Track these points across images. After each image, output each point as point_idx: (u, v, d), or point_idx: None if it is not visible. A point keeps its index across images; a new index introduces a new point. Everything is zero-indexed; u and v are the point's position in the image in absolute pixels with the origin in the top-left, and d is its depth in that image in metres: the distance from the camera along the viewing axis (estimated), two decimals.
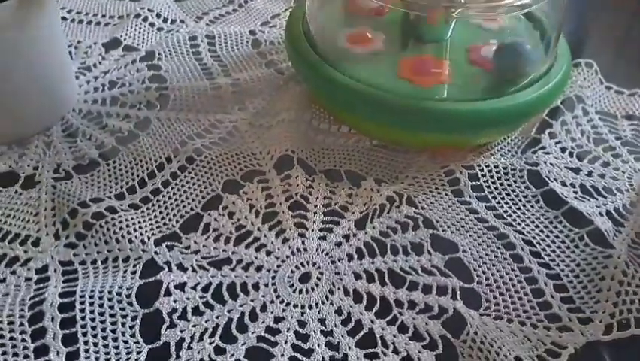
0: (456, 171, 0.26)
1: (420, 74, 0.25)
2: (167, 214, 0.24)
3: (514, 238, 0.24)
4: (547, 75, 0.27)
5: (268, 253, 0.23)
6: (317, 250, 0.23)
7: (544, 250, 0.23)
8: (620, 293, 0.22)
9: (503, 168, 0.27)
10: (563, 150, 0.28)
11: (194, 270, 0.22)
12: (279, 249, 0.23)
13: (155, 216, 0.24)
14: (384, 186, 0.25)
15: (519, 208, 0.25)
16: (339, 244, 0.23)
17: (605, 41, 0.38)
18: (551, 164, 0.27)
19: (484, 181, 0.26)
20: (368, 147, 0.27)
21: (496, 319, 0.21)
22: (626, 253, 0.23)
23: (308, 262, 0.23)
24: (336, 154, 0.27)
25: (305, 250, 0.23)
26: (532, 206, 0.25)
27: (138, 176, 0.25)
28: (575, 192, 0.26)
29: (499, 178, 0.26)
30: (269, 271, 0.22)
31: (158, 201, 0.24)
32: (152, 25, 0.35)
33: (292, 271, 0.22)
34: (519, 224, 0.24)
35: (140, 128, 0.28)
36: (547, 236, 0.24)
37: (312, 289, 0.22)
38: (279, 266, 0.22)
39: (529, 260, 0.23)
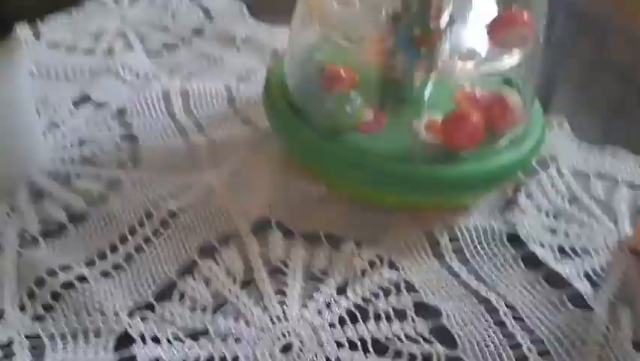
0: (436, 232, 0.27)
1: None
2: (141, 282, 0.24)
3: (497, 302, 0.24)
4: (524, 137, 0.28)
5: (247, 323, 0.23)
6: (298, 318, 0.23)
7: (526, 314, 0.24)
8: (602, 357, 0.23)
9: (482, 229, 0.28)
10: (539, 209, 0.29)
11: (169, 342, 0.22)
12: (258, 318, 0.23)
13: (128, 285, 0.24)
14: (364, 249, 0.26)
15: (500, 271, 0.26)
16: (320, 312, 0.23)
17: (570, 94, 0.41)
18: (529, 224, 0.28)
19: (464, 243, 0.27)
20: (347, 209, 0.28)
21: None
22: (605, 315, 0.24)
23: (289, 332, 0.23)
24: (315, 216, 0.27)
25: (286, 319, 0.23)
26: (512, 268, 0.26)
27: (109, 241, 0.25)
28: (554, 253, 0.27)
29: (479, 239, 0.27)
30: (248, 343, 0.22)
31: (130, 268, 0.24)
32: (123, 80, 0.35)
33: (273, 342, 0.22)
34: (501, 287, 0.25)
35: (111, 190, 0.28)
36: (529, 300, 0.25)
37: (294, 360, 0.22)
38: (259, 338, 0.22)
39: (513, 325, 0.24)
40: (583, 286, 0.25)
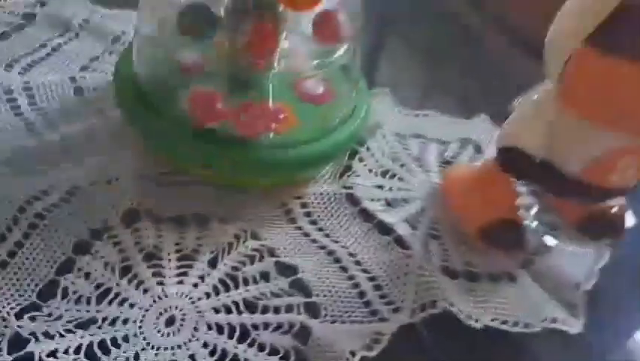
0: (288, 202, 0.32)
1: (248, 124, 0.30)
2: (22, 285, 0.25)
3: (340, 252, 0.31)
4: (354, 114, 0.34)
5: (131, 306, 0.26)
6: (177, 293, 0.27)
7: (363, 258, 0.31)
8: (419, 284, 0.30)
9: (326, 193, 0.33)
10: (370, 170, 0.36)
11: (61, 335, 0.24)
12: (140, 300, 0.26)
13: (9, 289, 0.25)
14: (229, 225, 0.30)
15: (342, 226, 0.32)
16: (195, 285, 0.27)
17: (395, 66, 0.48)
18: (362, 184, 0.35)
19: (312, 208, 0.33)
20: (210, 191, 0.31)
21: (332, 323, 0.27)
22: (421, 251, 0.31)
23: (170, 307, 0.26)
24: (180, 200, 0.31)
25: (166, 296, 0.27)
26: (351, 223, 0.32)
27: None
28: (382, 206, 0.34)
29: (324, 203, 0.33)
30: (134, 322, 0.25)
31: (8, 273, 0.26)
32: None
33: (157, 318, 0.26)
34: (343, 240, 0.31)
35: None
36: (365, 246, 0.31)
37: (178, 330, 0.26)
38: (143, 316, 0.26)
39: (353, 268, 0.30)
40: (403, 230, 0.32)
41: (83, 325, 0.25)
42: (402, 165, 0.37)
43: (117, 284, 0.26)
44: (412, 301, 0.29)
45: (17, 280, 0.26)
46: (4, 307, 0.24)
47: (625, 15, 0.25)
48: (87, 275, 0.27)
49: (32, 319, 0.24)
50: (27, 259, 0.27)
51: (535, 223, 0.35)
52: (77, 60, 0.38)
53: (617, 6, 0.25)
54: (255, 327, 0.26)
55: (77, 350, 0.24)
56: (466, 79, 0.49)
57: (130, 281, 0.27)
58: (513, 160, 0.29)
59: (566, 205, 0.36)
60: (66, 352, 0.24)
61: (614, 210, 0.35)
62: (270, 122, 0.31)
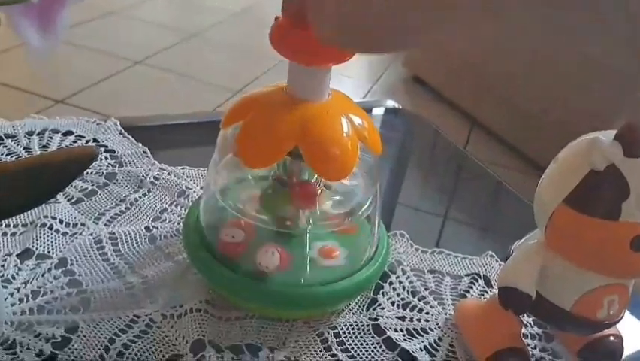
0: (324, 332, 0.39)
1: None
2: None
3: None
4: (376, 253, 0.42)
5: None
6: None
7: None
8: None
9: (355, 324, 0.40)
10: (393, 303, 0.43)
11: None
12: None
13: None
14: (276, 353, 0.37)
15: (369, 354, 0.39)
16: None
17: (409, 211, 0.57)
18: (387, 316, 0.41)
19: (344, 337, 0.39)
20: (258, 323, 0.39)
21: None
22: None
23: None
24: (237, 331, 0.38)
25: None
26: (377, 351, 0.39)
27: None
28: (404, 335, 0.41)
29: (353, 333, 0.40)
30: None
31: None
32: (57, 231, 0.43)
33: None
34: None
35: (71, 332, 0.36)
36: None
37: None
38: None
39: None
40: (423, 358, 0.39)
41: None
42: (420, 298, 0.44)
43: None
44: None
45: None
46: None
47: (594, 180, 0.34)
48: None
49: None
50: None
51: (539, 352, 0.41)
52: (150, 212, 0.48)
53: (588, 173, 0.34)
54: None
55: None
56: (475, 218, 0.58)
57: None
58: (512, 298, 0.36)
59: (566, 334, 0.42)
60: None
61: (612, 338, 0.41)
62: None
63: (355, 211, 0.41)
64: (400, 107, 0.78)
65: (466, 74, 1.83)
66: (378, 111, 0.79)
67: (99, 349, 0.35)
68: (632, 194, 0.32)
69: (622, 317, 0.39)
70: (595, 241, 0.34)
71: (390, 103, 0.79)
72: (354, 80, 1.99)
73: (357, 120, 0.39)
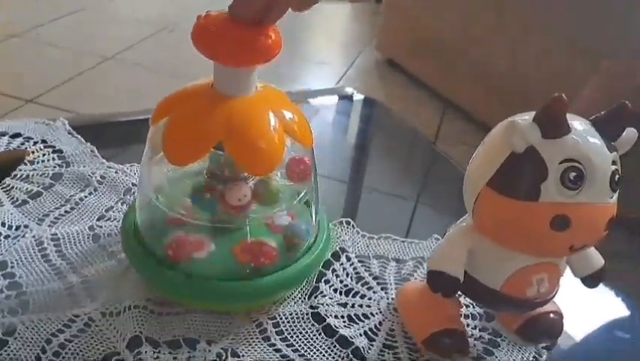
0: (263, 322, 0.40)
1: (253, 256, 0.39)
2: None
3: None
4: (316, 241, 0.42)
5: None
6: None
7: None
8: None
9: (295, 313, 0.41)
10: (335, 290, 0.43)
11: None
12: None
13: None
14: (213, 346, 0.37)
15: (308, 341, 0.39)
16: None
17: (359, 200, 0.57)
18: (327, 304, 0.42)
19: (283, 326, 0.40)
20: (198, 317, 0.39)
21: None
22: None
23: None
24: (175, 326, 0.38)
25: None
26: (316, 338, 0.39)
27: None
28: (344, 322, 0.41)
29: (293, 322, 0.40)
30: None
31: None
32: None
33: None
34: (309, 354, 0.38)
35: (8, 334, 0.36)
36: (327, 359, 0.38)
37: None
38: None
39: None
40: (361, 343, 0.39)
41: None
42: (364, 284, 0.45)
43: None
44: None
45: None
46: None
47: (514, 162, 0.34)
48: None
49: None
50: None
51: (479, 331, 0.42)
52: (95, 211, 0.48)
53: (509, 155, 0.34)
54: None
55: None
56: (431, 201, 0.58)
57: None
58: (440, 282, 0.37)
59: (506, 313, 0.42)
60: None
61: (551, 315, 0.41)
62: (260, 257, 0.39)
63: (294, 197, 0.42)
64: (354, 92, 0.78)
65: (439, 56, 1.82)
66: (336, 98, 0.79)
67: (36, 350, 0.35)
68: (550, 175, 0.33)
69: (554, 295, 0.39)
70: (516, 222, 0.34)
71: (349, 90, 0.80)
72: (328, 66, 1.99)
73: (287, 115, 0.39)
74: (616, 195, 0.34)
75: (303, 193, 0.42)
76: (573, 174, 0.32)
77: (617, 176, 0.34)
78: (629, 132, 0.35)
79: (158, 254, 0.39)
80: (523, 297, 0.38)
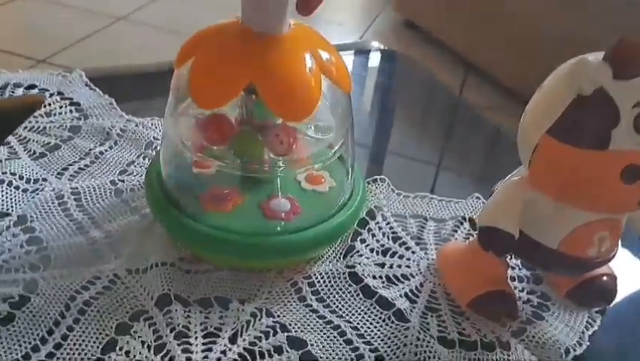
0: (298, 281, 0.37)
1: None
2: None
3: (345, 326, 0.35)
4: (351, 199, 0.40)
5: None
6: None
7: (365, 331, 0.35)
8: (418, 353, 0.34)
9: (331, 273, 0.38)
10: (372, 250, 0.41)
11: None
12: None
13: None
14: (247, 305, 0.35)
15: (346, 303, 0.37)
16: (219, 359, 0.32)
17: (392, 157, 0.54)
18: (364, 264, 0.39)
19: (319, 286, 0.37)
20: (230, 275, 0.37)
21: None
22: (418, 324, 0.36)
23: None
24: (205, 284, 0.36)
25: None
26: (354, 299, 0.37)
27: (38, 335, 0.32)
28: (383, 283, 0.39)
29: (329, 281, 0.38)
30: None
31: (61, 353, 0.31)
32: (17, 188, 0.41)
33: None
34: (347, 315, 0.36)
35: (30, 291, 0.34)
36: (367, 320, 0.36)
37: None
38: None
39: (356, 341, 0.34)
40: (403, 305, 0.37)
41: None
42: (401, 244, 0.42)
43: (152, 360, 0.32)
44: None
45: (69, 359, 0.31)
46: None
47: (580, 107, 0.31)
48: (127, 353, 0.32)
49: None
50: (77, 341, 0.32)
51: (527, 294, 0.39)
52: (116, 165, 0.45)
53: (572, 101, 0.31)
54: None
55: None
56: (464, 161, 0.55)
57: (163, 358, 0.32)
58: (493, 239, 0.34)
59: (556, 276, 0.40)
60: None
61: (604, 278, 0.39)
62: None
63: (326, 152, 0.38)
64: (386, 48, 0.74)
65: (460, 15, 1.76)
66: (363, 53, 0.75)
67: (59, 307, 0.33)
68: (623, 120, 0.30)
69: (614, 254, 0.36)
70: (582, 173, 0.31)
71: (376, 45, 0.76)
72: (346, 28, 1.93)
73: (323, 55, 0.35)
74: None
75: (337, 147, 0.39)
76: None
77: None
78: None
79: (186, 207, 0.36)
80: (583, 256, 0.35)
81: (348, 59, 0.73)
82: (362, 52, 0.76)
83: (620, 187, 0.30)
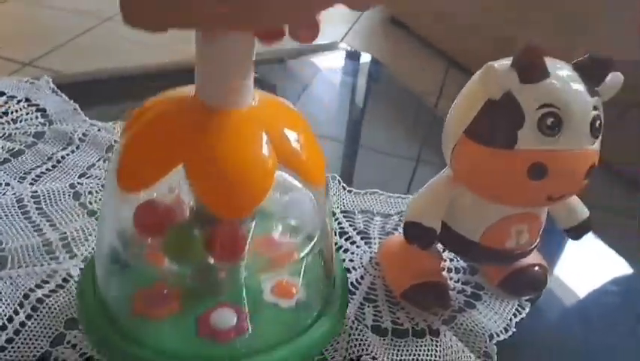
0: None
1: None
2: (22, 356, 0.33)
3: None
4: (325, 314, 0.34)
5: None
6: None
7: None
8: (350, 341, 0.36)
9: None
10: None
11: None
12: None
13: (13, 360, 0.33)
14: None
15: None
16: None
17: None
18: None
19: None
20: None
21: None
22: (353, 314, 0.38)
23: None
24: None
25: None
26: None
27: None
28: None
29: None
30: None
31: (12, 347, 0.33)
32: None
33: None
34: None
35: None
36: None
37: None
38: None
39: None
40: None
41: None
42: (347, 239, 0.44)
43: (97, 352, 0.34)
44: (343, 357, 0.35)
45: (19, 352, 0.33)
46: None
47: (491, 109, 0.33)
48: (74, 346, 0.34)
49: None
50: (28, 335, 0.34)
51: (462, 284, 0.42)
52: (77, 169, 0.47)
53: (483, 105, 0.33)
54: None
55: None
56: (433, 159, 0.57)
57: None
58: (416, 233, 0.36)
59: (489, 267, 0.42)
60: None
61: (536, 268, 0.41)
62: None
63: (291, 258, 0.34)
64: (352, 49, 0.76)
65: (444, 14, 1.78)
66: (332, 54, 0.77)
67: (14, 304, 0.36)
68: (527, 121, 0.32)
69: (535, 247, 0.39)
70: (493, 171, 0.34)
71: (343, 46, 0.78)
72: (331, 24, 1.95)
73: (290, 139, 0.29)
74: (598, 142, 0.33)
75: (307, 250, 0.33)
76: (550, 119, 0.31)
77: (598, 122, 0.32)
78: (614, 77, 0.33)
79: (115, 306, 0.32)
80: (502, 248, 0.37)
81: (319, 59, 0.75)
82: (336, 53, 0.78)
83: (528, 184, 0.32)
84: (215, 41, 0.26)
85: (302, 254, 0.33)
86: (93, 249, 0.40)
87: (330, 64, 0.75)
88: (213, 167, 0.27)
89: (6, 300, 0.36)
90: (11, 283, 0.37)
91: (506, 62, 0.33)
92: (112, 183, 0.29)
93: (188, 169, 0.27)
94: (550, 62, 0.32)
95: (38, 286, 0.37)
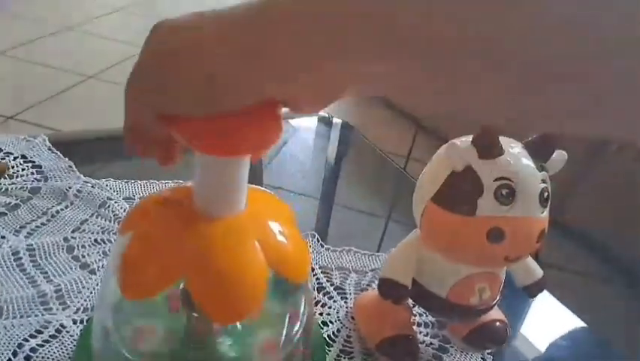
0: None
1: None
2: None
3: None
4: None
5: None
6: None
7: None
8: None
9: None
10: None
11: None
12: None
13: None
14: None
15: None
16: None
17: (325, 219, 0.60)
18: None
19: None
20: None
21: None
22: None
23: None
24: None
25: None
26: None
27: None
28: None
29: None
30: None
31: None
32: None
33: None
34: None
35: None
36: None
37: None
38: None
39: None
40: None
41: None
42: (325, 294, 0.47)
43: None
44: None
45: None
46: None
47: (454, 180, 0.37)
48: None
49: None
50: None
51: (430, 338, 0.44)
52: (71, 223, 0.49)
53: (447, 175, 0.37)
54: None
55: None
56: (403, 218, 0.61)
57: None
58: (389, 288, 0.39)
59: (455, 322, 0.45)
60: None
61: (497, 323, 0.44)
62: None
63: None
64: (331, 116, 0.81)
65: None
66: (312, 121, 0.82)
67: (8, 354, 0.37)
68: (486, 191, 0.36)
69: (496, 302, 0.42)
70: (457, 234, 0.37)
71: (325, 114, 0.83)
72: None
73: (278, 240, 0.31)
74: (547, 211, 0.37)
75: (295, 340, 0.35)
76: (505, 190, 0.35)
77: (546, 193, 0.37)
78: (559, 154, 0.38)
79: None
80: (467, 304, 0.40)
81: (295, 121, 0.79)
82: (317, 120, 0.83)
83: (487, 246, 0.36)
84: (212, 162, 0.30)
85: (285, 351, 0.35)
86: (86, 301, 0.42)
87: (306, 124, 0.80)
88: (212, 281, 0.29)
89: (0, 349, 0.37)
90: (6, 333, 0.38)
91: (467, 138, 0.37)
92: (111, 280, 0.31)
93: (189, 282, 0.30)
94: (504, 141, 0.37)
95: (32, 336, 0.38)
